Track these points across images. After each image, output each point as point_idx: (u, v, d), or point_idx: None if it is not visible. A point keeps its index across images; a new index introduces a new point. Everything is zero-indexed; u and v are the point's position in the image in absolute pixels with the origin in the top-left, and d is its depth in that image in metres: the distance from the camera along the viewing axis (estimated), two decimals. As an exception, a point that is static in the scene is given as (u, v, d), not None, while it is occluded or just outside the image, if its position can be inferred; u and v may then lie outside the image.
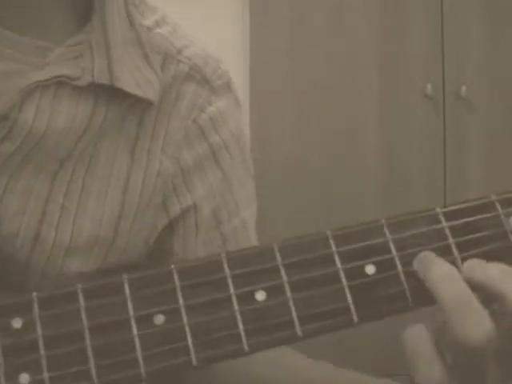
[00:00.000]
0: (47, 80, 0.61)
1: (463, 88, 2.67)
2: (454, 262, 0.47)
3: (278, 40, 2.69)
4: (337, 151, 2.67)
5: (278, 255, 0.46)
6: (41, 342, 0.45)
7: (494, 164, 2.68)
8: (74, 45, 0.64)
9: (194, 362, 0.44)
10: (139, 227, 0.67)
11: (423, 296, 0.46)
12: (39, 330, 0.45)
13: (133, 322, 0.45)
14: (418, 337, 0.46)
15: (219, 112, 0.71)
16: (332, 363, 0.68)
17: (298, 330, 0.45)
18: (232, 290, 0.45)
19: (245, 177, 0.75)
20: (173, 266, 0.46)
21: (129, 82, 0.64)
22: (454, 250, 0.47)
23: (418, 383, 0.45)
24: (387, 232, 0.47)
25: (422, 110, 2.70)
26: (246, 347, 0.44)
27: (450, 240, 0.47)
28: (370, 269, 0.47)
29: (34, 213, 0.62)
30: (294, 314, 0.45)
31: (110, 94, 0.64)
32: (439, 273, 0.46)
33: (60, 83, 0.62)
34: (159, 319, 0.45)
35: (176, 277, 0.45)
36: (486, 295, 0.46)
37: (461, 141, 2.71)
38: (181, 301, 0.45)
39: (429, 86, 2.68)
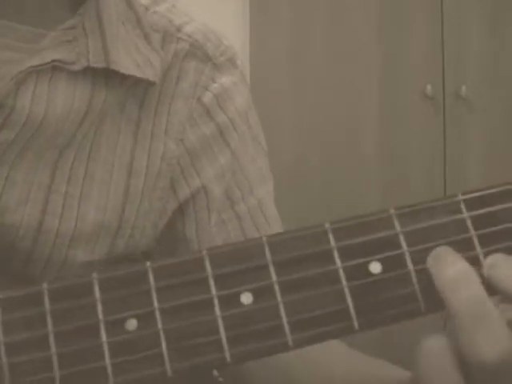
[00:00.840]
0: (41, 65, 0.58)
1: (463, 88, 2.67)
2: (475, 259, 0.40)
3: (277, 40, 2.69)
4: (337, 151, 2.66)
5: (267, 252, 0.40)
6: (2, 349, 0.40)
7: (494, 164, 2.67)
8: (67, 28, 0.61)
9: (169, 372, 0.38)
10: (146, 212, 0.65)
11: (438, 299, 0.39)
12: (0, 337, 0.40)
13: (102, 327, 0.40)
14: (433, 350, 0.39)
15: (224, 89, 0.69)
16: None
17: (289, 339, 0.38)
18: (214, 291, 0.39)
19: (256, 154, 0.72)
20: (148, 264, 0.40)
21: (126, 64, 0.62)
22: (477, 244, 0.40)
23: None
24: (397, 224, 0.40)
25: (422, 110, 2.69)
26: (227, 357, 0.38)
27: (472, 232, 0.40)
28: (375, 267, 0.40)
29: (36, 203, 0.60)
30: (285, 320, 0.39)
31: (107, 76, 0.61)
32: (451, 273, 0.39)
33: (55, 68, 0.59)
34: (131, 324, 0.39)
35: (151, 277, 0.40)
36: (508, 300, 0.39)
37: (461, 141, 2.70)
38: (155, 303, 0.39)
39: (429, 86, 2.67)
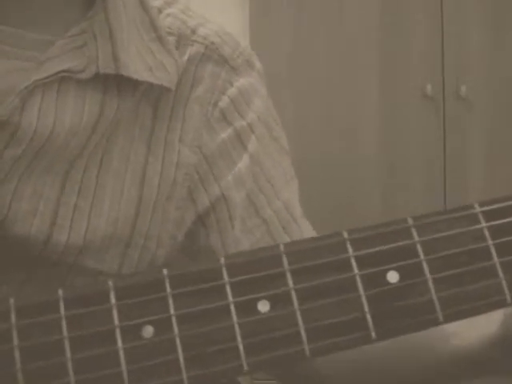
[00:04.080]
0: (48, 77, 0.56)
1: (463, 88, 2.67)
2: (492, 269, 0.40)
3: (277, 40, 2.69)
4: (337, 151, 2.66)
5: (284, 260, 0.40)
6: (17, 354, 0.40)
7: (494, 164, 2.67)
8: (76, 34, 0.59)
9: (185, 380, 0.38)
10: (160, 222, 0.63)
11: (456, 308, 0.40)
12: (15, 341, 0.40)
13: (118, 334, 0.39)
14: None
15: (241, 92, 0.67)
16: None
17: (306, 347, 0.38)
18: (231, 298, 0.39)
19: (278, 155, 0.70)
20: (165, 272, 0.40)
21: (138, 69, 0.60)
22: (494, 254, 0.40)
23: None
24: (415, 233, 0.40)
25: (422, 110, 2.69)
26: (244, 365, 0.38)
27: (489, 242, 0.40)
28: (393, 276, 0.40)
29: (44, 216, 0.58)
30: (302, 328, 0.39)
31: (119, 83, 0.59)
32: None
33: (63, 79, 0.57)
34: (148, 331, 0.39)
35: (168, 284, 0.40)
36: None
37: (461, 141, 2.70)
38: (172, 310, 0.39)
39: (429, 86, 2.67)
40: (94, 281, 0.60)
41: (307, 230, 0.70)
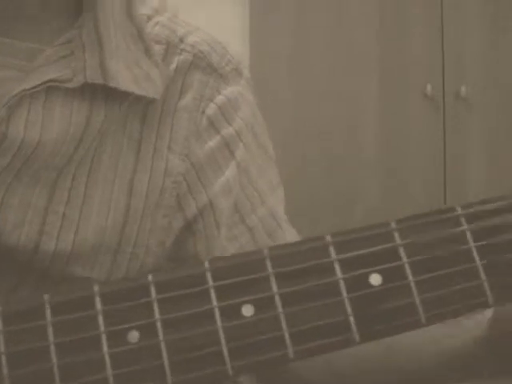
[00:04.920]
0: (35, 87, 0.56)
1: (463, 88, 2.67)
2: (474, 271, 0.40)
3: (277, 40, 2.69)
4: (336, 151, 2.66)
5: (268, 264, 0.40)
6: (3, 360, 0.40)
7: (494, 164, 2.67)
8: (64, 43, 0.59)
9: (170, 384, 0.38)
10: (148, 230, 0.63)
11: (439, 310, 0.40)
12: (1, 347, 0.40)
13: (103, 339, 0.40)
14: None
15: (228, 100, 0.67)
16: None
17: (290, 351, 0.38)
18: (215, 303, 0.39)
19: (264, 163, 0.70)
20: (150, 277, 0.40)
21: (126, 80, 0.60)
22: (475, 256, 0.40)
23: None
24: (397, 236, 0.40)
25: (422, 109, 2.70)
26: (229, 369, 0.38)
27: (471, 244, 0.40)
28: (376, 279, 0.40)
29: (33, 225, 0.58)
30: (286, 332, 0.39)
31: (107, 93, 0.59)
32: None
33: (50, 88, 0.57)
34: (133, 336, 0.39)
35: (153, 289, 0.40)
36: None
37: (461, 141, 2.70)
38: (157, 315, 0.39)
39: (429, 86, 2.67)
40: (80, 286, 0.60)
41: (292, 237, 0.70)
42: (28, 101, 0.57)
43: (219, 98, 0.66)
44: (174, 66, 0.65)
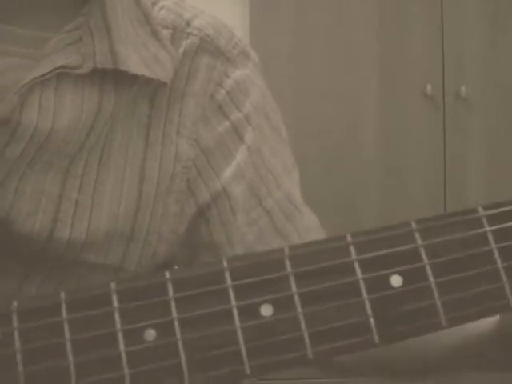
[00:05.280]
0: (45, 74, 0.56)
1: (463, 88, 2.67)
2: (495, 273, 0.40)
3: (277, 40, 2.69)
4: (336, 151, 2.66)
5: (287, 263, 0.40)
6: (19, 358, 0.40)
7: (494, 164, 2.67)
8: (72, 30, 0.59)
9: (187, 383, 0.38)
10: (160, 216, 0.63)
11: (460, 312, 0.39)
12: (17, 344, 0.40)
13: (120, 337, 0.39)
14: None
15: (237, 84, 0.66)
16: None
17: (309, 351, 0.38)
18: (234, 302, 0.39)
19: (278, 145, 0.70)
20: (168, 275, 0.40)
21: (135, 63, 0.59)
22: (497, 257, 0.40)
23: None
24: (418, 237, 0.40)
25: (422, 109, 2.69)
26: (247, 369, 0.38)
27: (493, 246, 0.40)
28: (396, 280, 0.40)
29: (47, 212, 0.58)
30: (305, 332, 0.38)
31: (116, 78, 0.59)
32: None
33: (60, 75, 0.57)
34: (150, 334, 0.39)
35: (170, 287, 0.40)
36: None
37: (461, 141, 2.70)
38: (174, 314, 0.39)
39: (429, 86, 2.67)
40: (95, 278, 0.60)
41: (309, 218, 0.70)
42: (39, 88, 0.56)
43: (227, 82, 0.66)
44: (181, 49, 0.65)
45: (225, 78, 0.66)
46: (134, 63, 0.59)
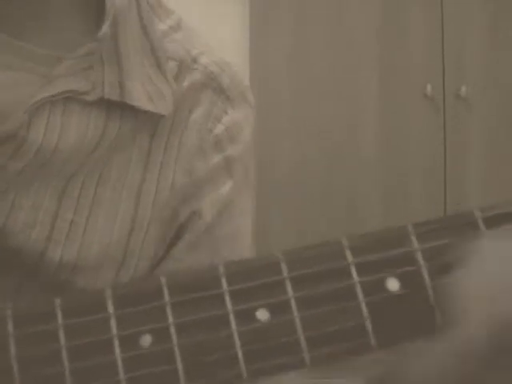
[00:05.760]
0: (55, 95, 0.57)
1: (463, 88, 2.67)
2: None
3: (277, 40, 2.70)
4: (337, 151, 2.66)
5: (284, 267, 0.40)
6: (15, 364, 0.40)
7: (494, 164, 2.68)
8: (84, 55, 0.60)
9: (185, 389, 0.38)
10: (149, 242, 0.64)
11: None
12: (12, 351, 0.40)
13: (116, 343, 0.39)
14: None
15: (235, 123, 0.69)
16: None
17: (306, 356, 0.38)
18: (230, 307, 0.39)
19: (250, 186, 0.72)
20: (163, 280, 0.40)
21: (140, 97, 0.61)
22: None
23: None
24: (414, 240, 0.40)
25: (422, 109, 2.70)
26: (244, 373, 0.38)
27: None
28: (393, 283, 0.39)
29: (43, 227, 0.59)
30: (301, 336, 0.38)
31: (122, 108, 0.61)
32: None
33: (68, 98, 0.58)
34: (146, 339, 0.39)
35: (166, 292, 0.40)
36: None
37: (461, 141, 2.70)
38: (170, 319, 0.39)
39: (429, 86, 2.68)
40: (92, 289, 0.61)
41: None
42: (48, 107, 0.57)
43: (226, 119, 0.68)
44: (186, 83, 0.67)
45: (224, 115, 0.68)
46: (139, 97, 0.61)
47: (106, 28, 0.61)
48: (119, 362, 0.39)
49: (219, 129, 0.68)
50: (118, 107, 0.61)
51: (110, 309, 0.40)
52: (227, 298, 0.39)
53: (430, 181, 2.69)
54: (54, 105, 0.58)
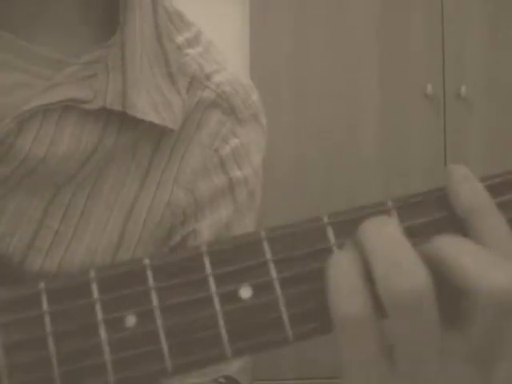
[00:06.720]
0: (51, 104, 0.56)
1: (463, 88, 2.67)
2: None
3: (277, 40, 2.69)
4: (337, 151, 2.66)
5: (266, 246, 0.39)
6: (1, 351, 0.40)
7: (494, 164, 2.67)
8: (89, 62, 0.59)
9: (169, 368, 0.38)
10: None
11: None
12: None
13: (101, 324, 0.39)
14: (338, 269, 0.37)
15: (243, 145, 0.67)
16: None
17: (289, 333, 0.38)
18: (213, 286, 0.39)
19: (253, 209, 0.70)
20: (147, 261, 0.40)
21: (145, 107, 0.59)
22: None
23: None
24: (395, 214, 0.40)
25: (422, 109, 2.69)
26: (228, 351, 0.38)
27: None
28: None
29: (23, 236, 0.57)
30: (284, 314, 0.38)
31: (123, 118, 0.59)
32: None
33: (66, 107, 0.57)
34: (130, 320, 0.39)
35: (150, 274, 0.40)
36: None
37: (461, 141, 2.70)
38: (154, 300, 0.39)
39: (429, 86, 2.67)
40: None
41: None
42: (41, 116, 0.56)
43: (234, 141, 0.66)
44: (196, 99, 0.65)
45: (232, 136, 0.67)
46: (143, 107, 0.59)
47: (114, 37, 0.60)
48: (105, 343, 0.39)
49: (226, 150, 0.66)
50: (117, 118, 0.59)
51: (95, 291, 0.40)
52: (210, 277, 0.39)
53: (430, 181, 2.69)
54: (49, 114, 0.57)
